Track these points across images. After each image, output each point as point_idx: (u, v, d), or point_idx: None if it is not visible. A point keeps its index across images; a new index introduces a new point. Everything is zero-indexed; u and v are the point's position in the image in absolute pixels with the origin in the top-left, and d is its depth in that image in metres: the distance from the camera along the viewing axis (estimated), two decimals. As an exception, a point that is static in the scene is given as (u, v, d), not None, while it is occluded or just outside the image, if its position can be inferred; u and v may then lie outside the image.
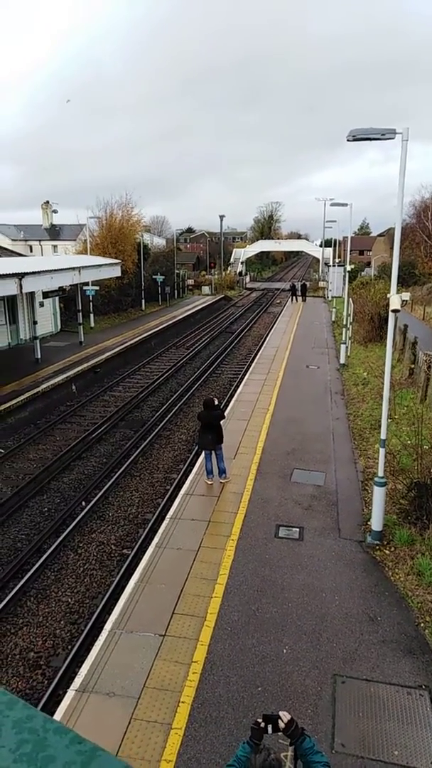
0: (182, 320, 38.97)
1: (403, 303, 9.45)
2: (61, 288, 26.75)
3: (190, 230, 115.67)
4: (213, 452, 11.81)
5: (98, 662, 6.81)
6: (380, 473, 9.59)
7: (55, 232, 59.55)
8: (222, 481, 11.87)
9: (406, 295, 10.51)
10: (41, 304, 28.50)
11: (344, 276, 28.18)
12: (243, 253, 76.23)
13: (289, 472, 12.48)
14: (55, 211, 60.00)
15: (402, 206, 9.12)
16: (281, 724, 3.62)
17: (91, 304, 33.92)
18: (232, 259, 76.42)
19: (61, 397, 20.79)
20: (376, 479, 9.62)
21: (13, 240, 53.65)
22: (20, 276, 19.50)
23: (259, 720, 3.67)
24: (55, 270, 23.64)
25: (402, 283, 41.67)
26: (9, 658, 7.97)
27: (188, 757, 5.56)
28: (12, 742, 0.62)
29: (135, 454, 15.22)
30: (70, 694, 6.39)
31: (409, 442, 11.96)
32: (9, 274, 19.12)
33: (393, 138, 8.69)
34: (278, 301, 53.47)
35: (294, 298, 49.52)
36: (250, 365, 24.69)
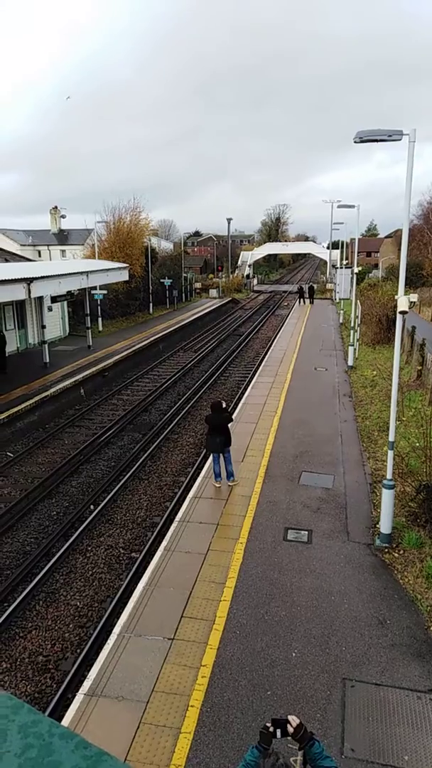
0: (190, 323, 39.01)
1: (411, 304, 9.42)
2: (69, 292, 26.91)
3: (197, 234, 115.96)
4: (221, 455, 11.80)
5: (107, 666, 6.82)
6: (389, 476, 9.55)
7: (63, 237, 59.88)
8: (230, 484, 11.86)
9: (414, 297, 10.49)
10: (50, 309, 28.64)
11: (352, 278, 28.09)
12: (250, 255, 76.22)
13: (297, 475, 12.44)
14: (63, 216, 60.34)
15: (409, 207, 9.10)
16: (290, 729, 3.61)
17: (99, 308, 34.06)
18: (239, 262, 76.45)
19: (69, 401, 20.87)
20: (384, 482, 9.57)
21: (21, 245, 53.97)
22: (29, 281, 19.64)
23: (268, 724, 3.65)
24: (64, 275, 23.77)
25: (410, 284, 41.53)
26: (18, 661, 7.99)
27: (197, 761, 5.55)
28: (18, 747, 0.62)
29: (143, 458, 15.25)
30: (79, 697, 6.40)
31: (417, 444, 11.90)
32: (18, 279, 19.26)
33: (400, 139, 8.68)
34: (286, 304, 53.42)
35: (302, 300, 49.44)
36: (257, 368, 24.66)
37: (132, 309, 41.66)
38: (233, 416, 14.69)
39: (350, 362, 23.62)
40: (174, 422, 18.27)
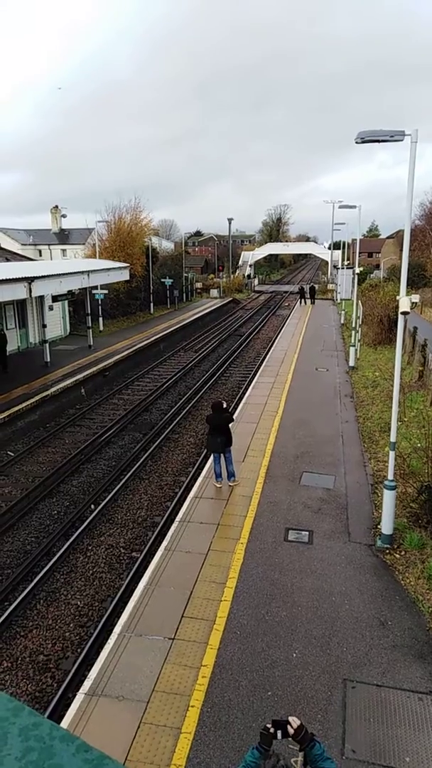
0: (191, 323, 39.01)
1: (413, 305, 9.41)
2: (70, 292, 26.93)
3: (198, 233, 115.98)
4: (222, 455, 11.79)
5: (107, 665, 6.81)
6: (390, 476, 9.53)
7: (64, 237, 59.93)
8: (231, 484, 11.84)
9: (416, 297, 10.47)
10: (50, 308, 28.65)
11: (353, 278, 28.08)
12: (251, 256, 76.24)
13: (298, 476, 12.43)
14: (64, 216, 60.42)
15: (411, 208, 9.09)
16: (290, 730, 3.59)
17: (100, 307, 34.07)
18: (240, 262, 76.46)
19: (70, 401, 20.87)
20: (386, 482, 9.55)
21: (22, 244, 54.04)
22: (30, 280, 19.64)
23: (269, 725, 3.64)
24: (64, 274, 23.78)
25: (411, 285, 41.48)
26: (19, 661, 7.99)
27: (198, 761, 5.54)
28: (18, 750, 0.61)
29: (144, 457, 15.24)
30: (80, 697, 6.39)
31: (419, 444, 11.88)
32: (19, 279, 19.26)
33: (402, 140, 8.66)
34: (287, 304, 53.40)
35: (303, 300, 49.43)
36: (258, 368, 24.65)
37: (133, 309, 41.67)
38: (234, 416, 14.68)
39: (351, 363, 23.59)
40: (175, 422, 18.27)
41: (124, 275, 32.29)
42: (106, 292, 33.07)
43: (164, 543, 9.75)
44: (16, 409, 18.12)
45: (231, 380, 24.64)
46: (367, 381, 20.88)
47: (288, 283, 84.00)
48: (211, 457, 12.38)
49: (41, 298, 25.37)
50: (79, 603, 9.27)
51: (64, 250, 58.45)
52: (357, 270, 26.52)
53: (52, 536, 11.18)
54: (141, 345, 29.52)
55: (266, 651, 7.02)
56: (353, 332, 24.32)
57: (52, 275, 22.35)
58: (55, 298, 26.05)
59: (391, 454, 9.53)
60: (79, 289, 28.24)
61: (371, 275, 61.79)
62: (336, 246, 66.45)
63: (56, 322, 30.68)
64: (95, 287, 30.33)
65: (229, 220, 68.80)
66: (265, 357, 27.07)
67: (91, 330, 29.15)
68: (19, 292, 19.51)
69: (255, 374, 23.44)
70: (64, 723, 6.04)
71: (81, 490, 13.56)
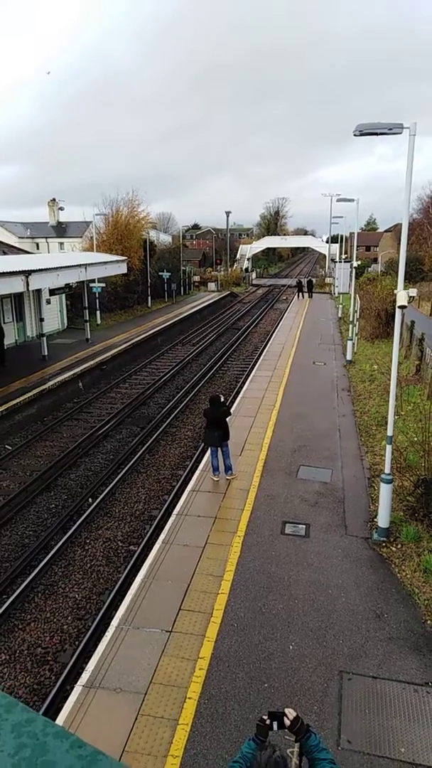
0: (188, 317, 38.94)
1: (410, 299, 9.40)
2: (67, 285, 26.79)
3: (196, 227, 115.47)
4: (219, 449, 11.81)
5: (105, 658, 6.84)
6: (387, 470, 9.56)
7: (61, 230, 59.58)
8: (228, 477, 11.87)
9: (413, 291, 10.46)
10: (48, 302, 28.54)
11: (351, 272, 28.03)
12: (249, 249, 76.04)
13: (295, 469, 12.46)
14: (61, 209, 59.98)
15: (409, 201, 9.06)
16: (286, 721, 3.62)
17: (97, 301, 33.95)
18: (238, 256, 76.25)
19: (68, 394, 20.85)
20: (382, 476, 9.59)
21: (20, 237, 53.68)
22: (27, 273, 19.55)
23: (265, 717, 3.66)
24: (62, 267, 23.67)
25: (409, 279, 41.46)
26: (17, 653, 8.02)
27: (195, 752, 5.58)
28: (11, 747, 0.61)
29: (141, 451, 15.25)
30: (78, 689, 6.42)
31: (416, 438, 11.90)
32: (16, 272, 19.17)
33: (400, 133, 8.61)
34: (284, 298, 53.33)
35: (300, 294, 49.36)
36: (256, 362, 24.65)
37: (130, 302, 41.56)
38: (232, 410, 14.68)
39: (349, 356, 23.60)
40: (172, 416, 18.27)
41: (122, 268, 32.17)
42: (103, 285, 32.96)
43: (162, 536, 9.78)
44: (13, 402, 18.09)
45: (229, 374, 24.63)
46: (364, 375, 20.90)
47: (286, 277, 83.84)
48: (209, 451, 12.39)
49: (38, 291, 25.30)
50: (77, 596, 9.30)
51: (61, 244, 58.11)
52: (355, 263, 26.49)
53: (50, 530, 11.20)
54: (139, 338, 29.47)
55: (263, 643, 7.07)
56: (351, 326, 24.31)
57: (50, 268, 22.24)
58: (52, 292, 25.94)
59: (388, 447, 9.56)
60: (77, 282, 28.12)
61: (369, 269, 61.71)
62: (334, 239, 66.25)
63: (54, 316, 30.58)
64: (93, 281, 30.24)
65: (227, 213, 68.66)
66: (262, 351, 27.06)
67: (88, 323, 29.07)
68: (17, 286, 19.42)
69: (253, 368, 23.43)
70: (62, 715, 6.09)
71: (79, 484, 13.58)
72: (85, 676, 6.60)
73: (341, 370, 22.33)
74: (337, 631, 7.30)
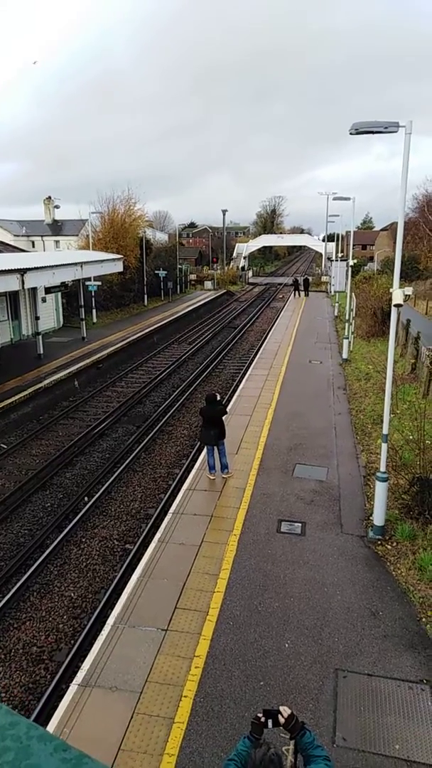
0: (184, 315, 38.90)
1: (406, 298, 9.41)
2: (63, 283, 26.75)
3: (192, 225, 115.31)
4: (215, 447, 11.81)
5: (101, 657, 6.84)
6: (382, 468, 9.57)
7: (57, 228, 59.40)
8: (224, 476, 11.87)
9: (409, 290, 10.47)
10: (43, 300, 28.48)
11: (347, 271, 28.03)
12: (245, 247, 75.87)
13: (291, 467, 12.47)
14: (57, 207, 59.80)
15: (405, 200, 9.06)
16: (281, 719, 3.62)
17: (93, 299, 33.88)
18: (234, 254, 76.10)
19: (63, 393, 20.80)
20: (378, 474, 9.60)
21: (15, 236, 53.51)
22: (22, 271, 19.49)
23: (260, 714, 3.66)
24: (57, 265, 23.61)
25: (405, 277, 41.50)
26: (12, 652, 8.01)
27: (190, 750, 5.59)
28: (-6, 750, 0.61)
29: (137, 450, 15.24)
30: (73, 688, 6.42)
31: (411, 437, 11.94)
32: (11, 270, 19.11)
33: (396, 131, 8.61)
34: (281, 296, 53.35)
35: (296, 293, 49.39)
36: (252, 360, 24.65)
37: (126, 300, 41.49)
38: (228, 408, 14.68)
39: (345, 355, 23.62)
40: (168, 414, 18.26)
41: (118, 267, 32.11)
42: (99, 283, 32.87)
43: (158, 535, 9.77)
44: (9, 401, 18.04)
45: (225, 372, 24.62)
46: (360, 373, 20.93)
47: (282, 275, 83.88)
48: (205, 449, 12.39)
49: (34, 289, 25.23)
50: (72, 595, 9.29)
51: (57, 242, 57.94)
52: (351, 262, 26.49)
53: (45, 528, 11.18)
54: (135, 337, 29.42)
55: (259, 641, 7.07)
56: (347, 324, 24.34)
57: (45, 267, 22.19)
58: (48, 290, 25.91)
59: (384, 446, 9.57)
60: (73, 280, 28.07)
61: (365, 267, 61.80)
62: (330, 238, 66.22)
63: (49, 314, 30.49)
64: (89, 279, 30.14)
65: (224, 212, 68.53)
66: (258, 349, 27.05)
67: (84, 322, 29.01)
68: (12, 284, 19.36)
69: (249, 366, 23.43)
70: (58, 714, 6.08)
71: (74, 483, 13.55)
72: (80, 675, 6.59)
73: (337, 368, 22.35)
74: (332, 629, 7.31)
